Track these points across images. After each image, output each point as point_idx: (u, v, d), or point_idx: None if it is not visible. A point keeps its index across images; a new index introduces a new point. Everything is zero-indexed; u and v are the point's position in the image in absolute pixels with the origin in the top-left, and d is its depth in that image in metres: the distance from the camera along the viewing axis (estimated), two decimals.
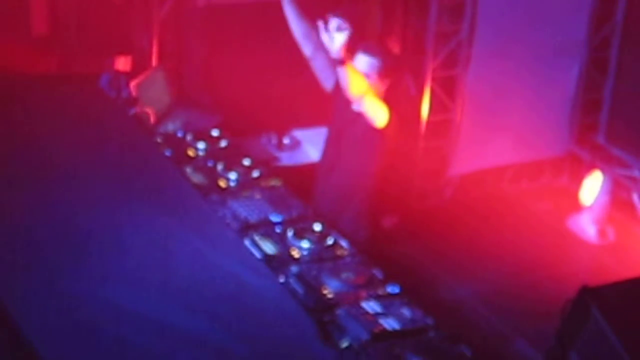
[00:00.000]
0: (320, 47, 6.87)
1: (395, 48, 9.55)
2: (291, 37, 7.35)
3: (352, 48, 6.64)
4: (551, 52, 9.34)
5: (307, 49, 7.01)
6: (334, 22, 6.39)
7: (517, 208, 9.69)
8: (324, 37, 6.34)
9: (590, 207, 9.28)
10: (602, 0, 9.25)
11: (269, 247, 6.23)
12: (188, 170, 7.06)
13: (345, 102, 6.71)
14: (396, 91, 8.39)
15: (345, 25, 6.52)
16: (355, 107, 6.70)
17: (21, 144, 7.14)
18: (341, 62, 6.29)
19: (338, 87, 6.70)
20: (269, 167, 7.73)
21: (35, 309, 5.47)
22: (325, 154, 7.22)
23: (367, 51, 6.75)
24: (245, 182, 6.97)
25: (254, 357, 5.39)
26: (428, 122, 8.93)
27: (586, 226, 9.29)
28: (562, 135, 9.81)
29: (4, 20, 10.34)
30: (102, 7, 10.28)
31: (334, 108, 7.02)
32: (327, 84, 6.98)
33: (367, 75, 6.65)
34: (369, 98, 6.61)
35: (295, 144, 9.24)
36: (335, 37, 6.32)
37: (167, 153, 7.29)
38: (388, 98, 7.24)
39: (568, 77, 9.54)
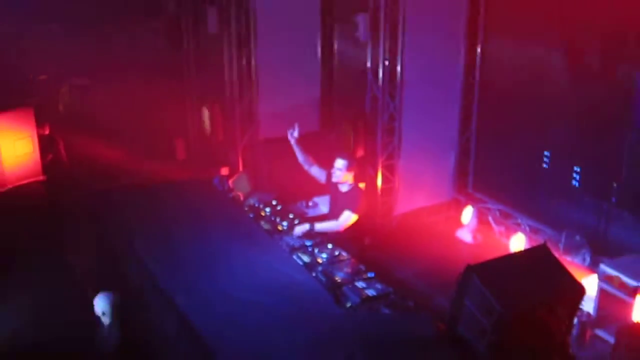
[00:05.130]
0: (314, 164, 8.68)
1: (361, 153, 11.74)
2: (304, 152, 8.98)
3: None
4: (439, 146, 11.44)
5: (306, 166, 8.74)
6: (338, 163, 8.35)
7: (431, 228, 11.28)
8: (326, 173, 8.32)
9: (467, 225, 11.12)
10: (464, 115, 11.48)
11: (305, 258, 7.57)
12: (262, 222, 8.54)
13: (334, 185, 8.49)
14: (365, 178, 10.69)
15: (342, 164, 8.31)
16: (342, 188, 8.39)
17: (177, 216, 8.48)
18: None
19: (328, 179, 8.55)
20: (303, 217, 9.04)
21: (196, 299, 6.76)
22: (330, 209, 8.75)
23: (342, 157, 8.41)
24: (291, 227, 8.34)
25: (300, 314, 6.47)
26: (381, 189, 10.94)
27: (465, 234, 11.10)
28: (449, 189, 11.82)
29: (160, 152, 13.36)
30: (212, 142, 13.37)
31: (330, 189, 8.69)
32: (321, 180, 8.73)
33: (342, 169, 8.24)
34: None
35: (315, 205, 10.71)
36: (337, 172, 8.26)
37: (251, 215, 8.74)
38: (361, 178, 9.18)
39: (449, 161, 11.76)
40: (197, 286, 6.94)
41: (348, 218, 8.24)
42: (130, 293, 7.16)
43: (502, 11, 10.72)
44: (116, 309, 6.86)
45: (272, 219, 8.58)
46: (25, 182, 12.20)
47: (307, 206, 10.73)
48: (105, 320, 6.88)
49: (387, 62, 10.46)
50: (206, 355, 6.18)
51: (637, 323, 8.10)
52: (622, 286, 8.49)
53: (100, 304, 6.89)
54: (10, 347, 8.13)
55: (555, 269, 6.33)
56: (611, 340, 8.32)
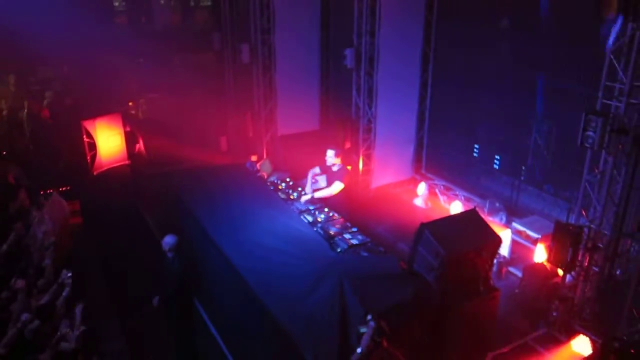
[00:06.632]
0: (316, 179, 8.39)
1: (349, 145, 10.92)
2: (315, 146, 9.01)
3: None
4: (402, 141, 11.11)
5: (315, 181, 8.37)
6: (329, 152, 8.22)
7: (396, 198, 11.07)
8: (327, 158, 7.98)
9: (421, 195, 10.96)
10: (420, 118, 11.10)
11: (309, 218, 7.44)
12: (279, 193, 8.29)
13: (329, 168, 8.34)
14: (351, 162, 10.45)
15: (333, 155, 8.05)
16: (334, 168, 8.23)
17: (220, 188, 8.15)
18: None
19: (324, 166, 8.38)
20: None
21: (234, 244, 6.65)
22: (327, 183, 8.39)
23: (331, 148, 8.35)
24: (299, 196, 8.17)
25: (307, 255, 6.32)
26: (362, 170, 10.79)
27: (420, 202, 10.92)
28: (409, 169, 11.57)
29: (209, 145, 13.02)
30: (245, 138, 12.91)
31: (326, 171, 8.47)
32: (324, 176, 8.44)
33: (332, 156, 8.14)
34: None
35: (316, 181, 8.79)
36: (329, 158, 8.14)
37: (271, 188, 8.48)
38: (348, 162, 9.29)
39: (409, 151, 11.39)
40: (233, 234, 6.81)
41: (338, 186, 8.11)
42: (187, 238, 7.01)
43: (445, 60, 10.69)
44: (177, 247, 6.70)
45: (287, 191, 8.46)
46: (116, 164, 12.32)
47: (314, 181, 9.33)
48: (169, 254, 6.74)
49: (366, 83, 10.30)
50: (239, 279, 6.09)
51: (537, 263, 8.09)
52: (527, 237, 8.61)
53: (166, 243, 6.73)
54: (106, 263, 8.44)
55: (481, 226, 6.22)
56: (519, 274, 8.32)
